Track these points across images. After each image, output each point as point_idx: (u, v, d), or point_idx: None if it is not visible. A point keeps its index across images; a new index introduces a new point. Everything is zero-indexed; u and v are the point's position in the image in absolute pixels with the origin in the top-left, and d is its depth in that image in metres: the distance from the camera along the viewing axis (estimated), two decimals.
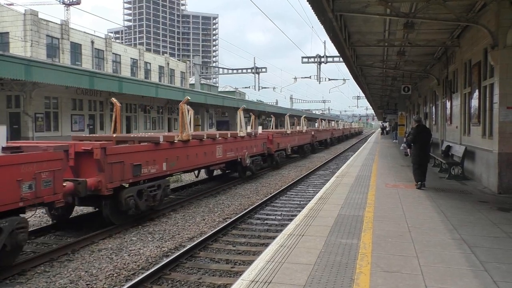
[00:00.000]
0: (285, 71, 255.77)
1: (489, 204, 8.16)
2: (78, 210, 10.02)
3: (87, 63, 33.67)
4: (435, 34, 13.56)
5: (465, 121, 13.03)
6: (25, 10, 29.10)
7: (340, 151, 31.65)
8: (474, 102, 11.58)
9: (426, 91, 23.34)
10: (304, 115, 32.51)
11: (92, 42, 34.98)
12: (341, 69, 79.97)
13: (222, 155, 13.30)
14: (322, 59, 37.86)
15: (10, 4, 31.90)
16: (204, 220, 9.27)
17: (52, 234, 8.15)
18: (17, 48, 28.02)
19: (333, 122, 62.05)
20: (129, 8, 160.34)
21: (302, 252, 5.04)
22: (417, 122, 10.52)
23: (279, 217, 9.58)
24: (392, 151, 23.02)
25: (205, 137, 12.15)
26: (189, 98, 11.77)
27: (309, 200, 8.86)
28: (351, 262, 4.68)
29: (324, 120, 46.76)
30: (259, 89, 45.54)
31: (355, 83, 25.24)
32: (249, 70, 43.02)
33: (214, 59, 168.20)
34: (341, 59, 19.69)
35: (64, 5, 54.58)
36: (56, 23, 31.34)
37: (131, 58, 40.33)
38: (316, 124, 40.68)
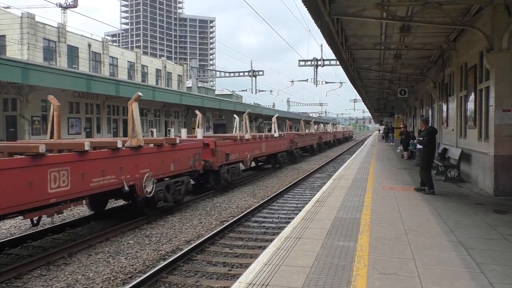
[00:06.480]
0: (282, 74, 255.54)
1: (485, 206, 8.19)
2: (75, 212, 9.99)
3: (84, 66, 33.61)
4: (431, 37, 13.64)
5: (461, 123, 13.10)
6: (21, 13, 29.06)
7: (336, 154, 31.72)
8: (470, 105, 11.65)
9: (422, 94, 23.44)
10: (313, 120, 41.94)
11: (89, 45, 34.95)
12: (338, 72, 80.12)
13: (265, 150, 18.23)
14: (319, 62, 38.03)
15: (7, 7, 31.87)
16: (201, 223, 9.27)
17: (48, 238, 8.13)
18: (13, 51, 27.94)
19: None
20: (126, 12, 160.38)
21: (299, 255, 5.04)
22: (426, 123, 10.12)
23: (276, 220, 9.59)
24: (389, 154, 23.07)
25: (257, 137, 17.28)
26: (250, 111, 17.07)
27: (306, 203, 8.88)
28: (348, 264, 4.68)
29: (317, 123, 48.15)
30: (256, 92, 45.65)
31: (352, 86, 25.34)
32: (246, 73, 43.05)
33: (211, 62, 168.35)
34: (338, 62, 19.75)
35: (61, 8, 54.35)
36: (53, 26, 31.29)
37: (128, 61, 40.29)
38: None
